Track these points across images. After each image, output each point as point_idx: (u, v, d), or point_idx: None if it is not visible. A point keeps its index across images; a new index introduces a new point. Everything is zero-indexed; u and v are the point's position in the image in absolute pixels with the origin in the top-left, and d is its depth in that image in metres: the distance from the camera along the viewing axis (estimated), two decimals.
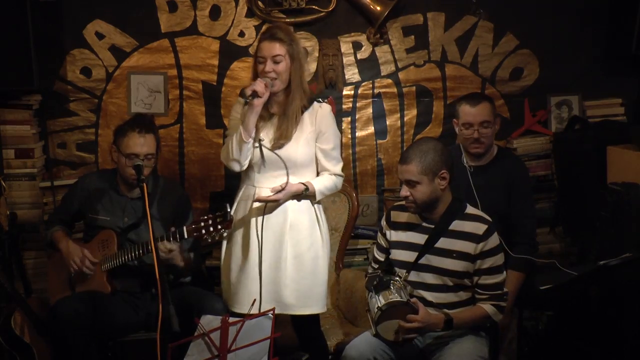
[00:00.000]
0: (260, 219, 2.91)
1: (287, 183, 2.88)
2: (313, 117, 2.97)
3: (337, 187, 3.06)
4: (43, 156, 3.84)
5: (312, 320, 3.06)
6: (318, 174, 3.04)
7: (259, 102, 2.82)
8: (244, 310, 2.85)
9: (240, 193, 3.05)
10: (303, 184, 2.94)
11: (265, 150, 2.90)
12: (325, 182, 3.00)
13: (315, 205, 3.02)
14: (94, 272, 3.11)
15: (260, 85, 2.81)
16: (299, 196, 2.96)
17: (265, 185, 2.95)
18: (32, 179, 3.74)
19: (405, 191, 2.75)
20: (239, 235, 3.00)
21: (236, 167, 2.94)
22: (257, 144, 2.89)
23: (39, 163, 3.79)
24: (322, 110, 2.98)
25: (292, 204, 2.96)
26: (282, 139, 2.91)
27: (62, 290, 3.19)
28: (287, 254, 2.93)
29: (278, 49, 2.86)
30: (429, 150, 2.71)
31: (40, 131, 3.81)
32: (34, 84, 3.56)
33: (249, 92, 2.80)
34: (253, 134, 2.86)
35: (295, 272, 2.93)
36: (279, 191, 2.87)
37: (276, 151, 2.89)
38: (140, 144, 3.07)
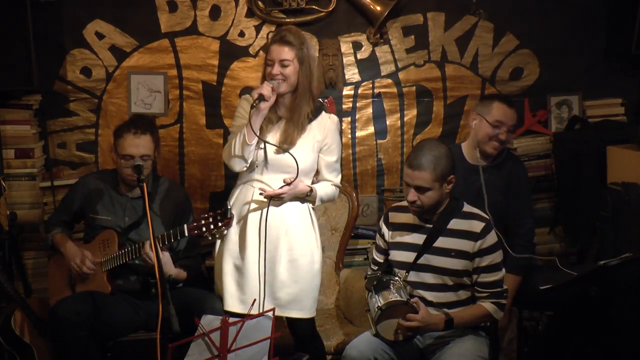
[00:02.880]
0: (264, 213, 2.88)
1: (296, 177, 2.85)
2: (322, 128, 2.96)
3: (335, 197, 3.10)
4: (43, 156, 3.84)
5: (307, 321, 3.04)
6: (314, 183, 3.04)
7: (265, 106, 2.81)
8: (244, 310, 2.85)
9: (237, 192, 3.02)
10: (309, 186, 2.95)
11: (269, 153, 2.89)
12: (326, 190, 3.02)
13: (311, 210, 3.03)
14: (94, 272, 3.11)
15: (266, 88, 2.80)
16: (298, 199, 2.96)
17: (265, 187, 2.93)
18: (32, 179, 3.74)
19: (413, 196, 2.73)
20: (235, 235, 2.97)
21: (237, 167, 2.92)
22: (262, 146, 2.88)
23: (39, 163, 3.79)
24: (330, 123, 2.99)
25: (289, 207, 2.95)
26: (286, 143, 2.89)
27: (62, 291, 3.19)
28: (282, 257, 2.92)
29: (286, 53, 2.84)
30: (442, 157, 2.71)
31: (40, 131, 3.81)
32: (34, 84, 3.56)
33: (255, 95, 2.79)
34: (257, 136, 2.85)
35: (289, 275, 2.92)
36: (288, 184, 2.85)
37: (282, 155, 2.87)
38: (135, 145, 3.08)
